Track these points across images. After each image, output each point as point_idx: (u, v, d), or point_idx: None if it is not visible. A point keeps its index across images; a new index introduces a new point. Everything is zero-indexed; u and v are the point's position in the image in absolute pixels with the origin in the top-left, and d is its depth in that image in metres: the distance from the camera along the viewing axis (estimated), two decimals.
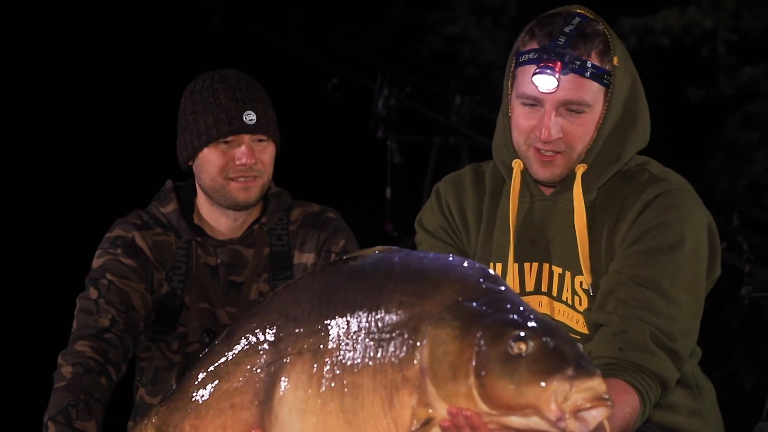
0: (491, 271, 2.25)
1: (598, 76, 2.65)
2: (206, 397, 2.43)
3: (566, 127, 2.68)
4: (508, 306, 2.16)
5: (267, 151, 3.25)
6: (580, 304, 2.73)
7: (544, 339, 2.10)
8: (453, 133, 5.04)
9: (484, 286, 2.20)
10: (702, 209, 2.74)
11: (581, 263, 2.70)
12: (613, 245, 2.70)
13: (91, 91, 6.62)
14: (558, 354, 2.08)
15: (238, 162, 3.20)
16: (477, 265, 2.25)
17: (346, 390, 2.23)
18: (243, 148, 3.21)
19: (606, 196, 2.74)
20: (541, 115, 2.67)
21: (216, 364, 2.43)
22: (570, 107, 2.66)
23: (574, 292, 2.74)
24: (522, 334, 2.10)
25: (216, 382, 2.42)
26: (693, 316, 2.66)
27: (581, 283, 2.73)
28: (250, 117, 3.21)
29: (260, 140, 3.24)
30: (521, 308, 2.17)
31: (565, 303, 2.75)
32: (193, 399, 2.45)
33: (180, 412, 2.47)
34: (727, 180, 7.29)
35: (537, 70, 2.63)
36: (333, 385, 2.24)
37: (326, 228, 3.36)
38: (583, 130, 2.69)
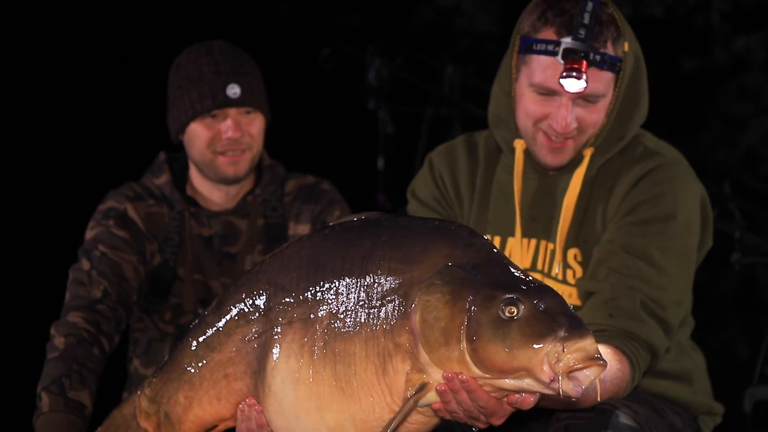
0: (480, 234, 2.25)
1: (613, 65, 2.65)
2: (200, 368, 2.44)
3: (581, 116, 2.68)
4: (498, 269, 2.16)
5: (255, 124, 3.25)
6: (574, 277, 2.73)
7: (534, 301, 2.10)
8: (445, 104, 5.03)
9: (472, 249, 2.20)
10: (695, 182, 2.74)
11: (557, 237, 2.71)
12: (607, 217, 2.70)
13: (83, 63, 6.59)
14: (549, 316, 2.08)
15: (224, 136, 3.20)
16: (465, 229, 2.25)
17: (338, 358, 2.23)
18: (229, 122, 3.20)
19: (601, 169, 2.75)
20: (556, 105, 2.66)
21: (207, 335, 2.43)
22: (586, 98, 2.66)
23: (566, 266, 2.74)
24: (512, 297, 2.10)
25: (209, 353, 2.43)
26: (683, 287, 2.67)
27: (575, 255, 2.73)
28: (233, 90, 3.20)
29: (247, 112, 3.23)
30: (511, 271, 2.17)
31: (555, 278, 2.75)
32: (187, 370, 2.46)
33: (173, 384, 2.48)
34: (722, 150, 7.28)
35: (564, 74, 2.59)
36: (325, 353, 2.24)
37: (321, 199, 3.37)
38: (597, 117, 2.69)
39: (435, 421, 2.25)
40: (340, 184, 3.47)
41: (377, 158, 5.01)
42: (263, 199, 3.35)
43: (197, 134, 3.23)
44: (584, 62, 2.59)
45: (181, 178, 3.35)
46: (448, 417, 2.22)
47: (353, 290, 2.24)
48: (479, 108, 2.89)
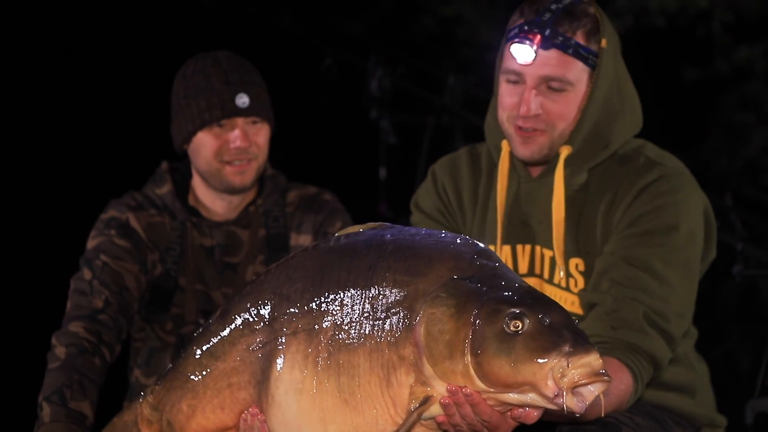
0: (485, 247, 2.25)
1: (583, 55, 2.65)
2: (204, 376, 2.43)
3: (546, 105, 2.67)
4: (503, 283, 2.16)
5: (261, 133, 3.25)
6: (576, 286, 2.73)
7: (539, 316, 2.10)
8: (447, 113, 5.03)
9: (478, 262, 2.20)
10: (698, 193, 2.74)
11: (554, 245, 2.71)
12: (609, 228, 2.70)
13: (86, 73, 6.60)
14: (554, 331, 2.08)
15: (232, 145, 3.21)
16: (470, 241, 2.25)
17: (342, 369, 2.23)
18: (237, 132, 3.21)
19: (601, 179, 2.74)
20: (521, 91, 2.67)
21: (212, 344, 2.43)
22: (551, 84, 2.66)
23: (568, 274, 2.73)
24: (517, 311, 2.10)
25: (213, 361, 2.42)
26: (686, 299, 2.66)
27: (576, 265, 2.73)
28: (242, 100, 3.21)
29: (254, 122, 3.24)
30: (516, 285, 2.17)
31: (558, 286, 2.74)
32: (191, 379, 2.45)
33: (177, 392, 2.48)
34: (724, 160, 7.28)
35: (516, 41, 2.64)
36: (329, 364, 2.24)
37: (323, 210, 3.37)
38: (564, 108, 2.68)
39: None
40: (341, 194, 3.47)
41: (379, 168, 5.02)
42: (265, 210, 3.35)
43: (204, 144, 3.23)
44: (538, 35, 2.62)
45: (183, 187, 3.35)
46: (451, 430, 2.21)
47: (358, 301, 2.24)
48: (481, 118, 2.89)
